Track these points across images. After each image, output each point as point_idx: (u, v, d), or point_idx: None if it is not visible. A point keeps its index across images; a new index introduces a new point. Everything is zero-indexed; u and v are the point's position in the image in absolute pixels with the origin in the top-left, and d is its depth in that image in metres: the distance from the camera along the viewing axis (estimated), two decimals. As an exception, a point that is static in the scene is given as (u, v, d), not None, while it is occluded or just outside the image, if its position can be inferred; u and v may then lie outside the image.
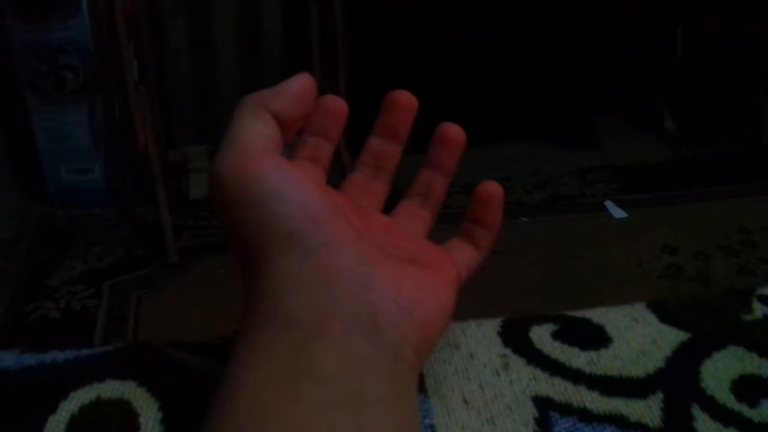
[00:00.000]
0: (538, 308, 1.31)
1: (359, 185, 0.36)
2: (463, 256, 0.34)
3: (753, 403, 0.32)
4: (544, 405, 0.32)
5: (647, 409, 0.32)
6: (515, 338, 0.36)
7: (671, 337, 0.36)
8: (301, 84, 0.31)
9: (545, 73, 1.83)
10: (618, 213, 1.62)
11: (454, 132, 0.35)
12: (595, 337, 0.36)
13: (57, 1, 1.48)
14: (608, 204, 1.65)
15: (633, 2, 1.87)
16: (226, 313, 1.26)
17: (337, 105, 0.34)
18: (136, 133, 1.46)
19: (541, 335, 0.36)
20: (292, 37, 1.67)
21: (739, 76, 1.88)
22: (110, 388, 0.31)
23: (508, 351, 0.35)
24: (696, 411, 0.32)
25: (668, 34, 1.86)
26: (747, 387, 0.33)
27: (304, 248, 0.27)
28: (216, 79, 1.69)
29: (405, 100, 0.35)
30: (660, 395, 0.32)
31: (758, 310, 0.38)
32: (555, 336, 0.36)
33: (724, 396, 0.32)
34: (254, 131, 0.29)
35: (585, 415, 0.31)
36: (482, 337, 0.36)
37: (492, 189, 0.35)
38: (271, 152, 0.29)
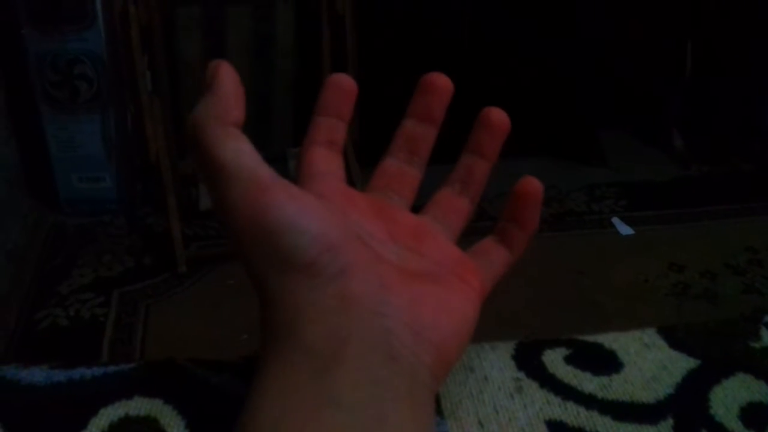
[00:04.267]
0: (543, 323, 1.32)
1: (392, 172, 0.35)
2: (493, 259, 0.33)
3: (761, 430, 0.33)
4: (557, 429, 0.33)
5: (658, 435, 0.32)
6: (529, 362, 0.36)
7: (681, 364, 0.36)
8: (230, 77, 0.30)
9: (554, 89, 1.84)
10: (625, 230, 1.63)
11: (496, 116, 0.35)
12: (607, 362, 0.36)
13: (73, 13, 1.50)
14: (616, 220, 1.66)
15: (643, 19, 1.88)
16: (235, 323, 1.27)
17: (345, 82, 0.34)
18: (147, 143, 1.47)
19: (554, 359, 0.37)
20: (304, 51, 1.69)
21: (748, 94, 1.89)
22: (138, 406, 0.32)
23: (521, 374, 0.36)
24: (705, 437, 0.32)
25: (678, 52, 1.87)
26: (755, 414, 0.34)
27: (320, 278, 0.28)
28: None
29: (442, 84, 0.35)
30: (670, 421, 0.33)
31: (766, 337, 0.38)
32: (568, 360, 0.37)
33: (733, 423, 0.33)
34: (248, 156, 0.28)
35: (597, 439, 0.32)
36: (496, 360, 0.37)
37: (532, 186, 0.33)
38: (278, 179, 0.29)
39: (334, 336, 0.27)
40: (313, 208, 0.28)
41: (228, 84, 0.29)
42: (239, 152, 0.28)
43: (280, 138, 1.74)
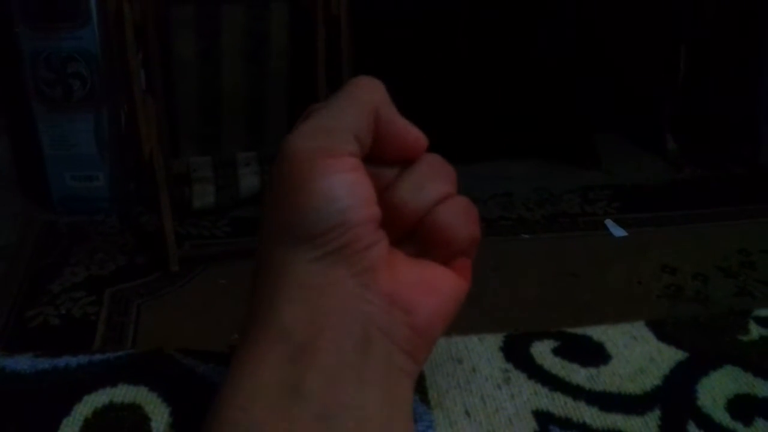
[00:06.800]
0: (536, 324, 1.32)
1: None
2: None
3: (747, 422, 0.33)
4: (544, 419, 0.33)
5: (645, 426, 0.32)
6: (517, 353, 0.36)
7: (669, 356, 0.36)
8: (415, 135, 0.31)
9: (549, 91, 1.85)
10: (618, 232, 1.63)
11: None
12: (594, 354, 0.37)
13: (67, 11, 1.50)
14: (609, 222, 1.66)
15: (637, 23, 1.89)
16: (226, 323, 1.27)
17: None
18: (141, 142, 1.47)
19: (542, 351, 0.37)
20: (299, 52, 1.69)
21: (741, 98, 1.89)
22: (123, 393, 0.31)
23: (509, 366, 0.36)
24: (692, 428, 0.32)
25: (672, 56, 1.88)
26: (742, 406, 0.34)
27: (312, 254, 0.27)
28: (222, 90, 1.71)
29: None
30: (657, 412, 0.33)
31: (754, 331, 0.38)
32: (555, 352, 0.37)
33: (720, 414, 0.33)
34: (353, 119, 0.29)
35: (584, 430, 0.32)
36: (484, 351, 0.37)
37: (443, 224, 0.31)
38: (353, 151, 0.28)
39: (309, 319, 0.27)
40: (357, 186, 0.28)
41: (409, 129, 0.31)
42: (350, 113, 0.29)
43: (274, 138, 1.74)
